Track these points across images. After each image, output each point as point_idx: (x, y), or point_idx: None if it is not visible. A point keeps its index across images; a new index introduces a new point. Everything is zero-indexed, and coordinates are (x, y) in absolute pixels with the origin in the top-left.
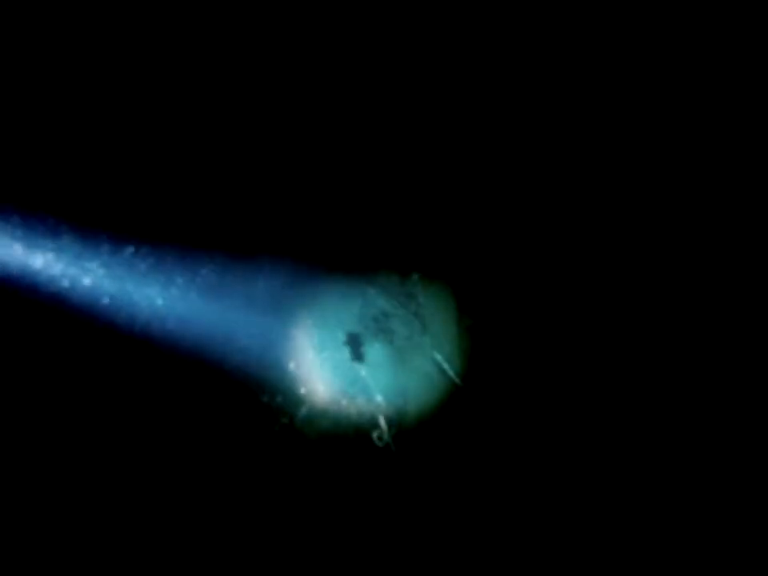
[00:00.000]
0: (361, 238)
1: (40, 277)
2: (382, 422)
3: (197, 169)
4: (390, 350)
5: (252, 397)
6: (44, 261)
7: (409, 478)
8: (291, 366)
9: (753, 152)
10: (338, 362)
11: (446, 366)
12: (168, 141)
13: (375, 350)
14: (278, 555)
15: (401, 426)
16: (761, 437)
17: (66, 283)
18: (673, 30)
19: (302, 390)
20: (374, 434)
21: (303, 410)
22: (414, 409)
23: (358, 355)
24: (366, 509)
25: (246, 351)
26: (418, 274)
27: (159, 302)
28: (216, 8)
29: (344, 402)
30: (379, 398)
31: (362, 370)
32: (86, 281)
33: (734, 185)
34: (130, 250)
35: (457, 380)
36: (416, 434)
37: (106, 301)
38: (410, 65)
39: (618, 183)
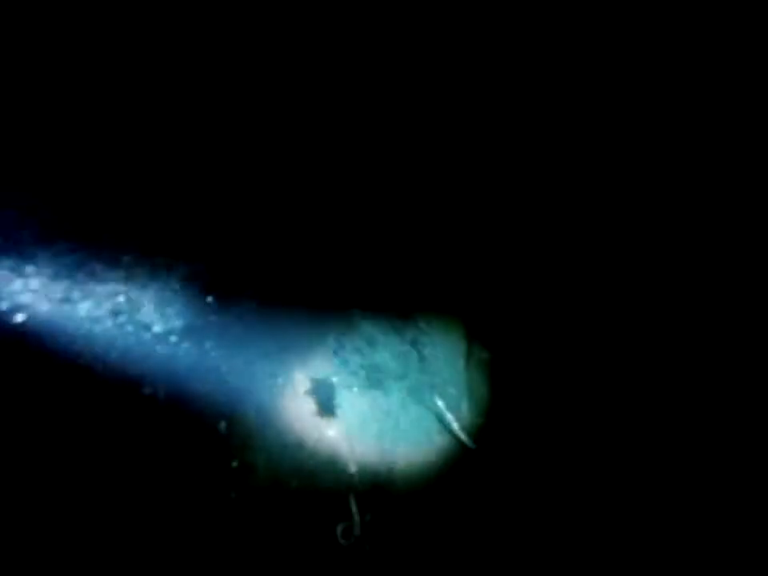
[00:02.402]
0: (347, 251)
1: None
2: (353, 506)
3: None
4: (375, 397)
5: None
6: None
7: None
8: (246, 416)
9: (753, 152)
10: (298, 415)
11: (451, 418)
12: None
13: (353, 397)
14: None
15: (381, 513)
16: (761, 436)
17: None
18: (673, 30)
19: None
20: (339, 528)
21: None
22: (403, 484)
23: (327, 407)
24: None
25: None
26: (417, 292)
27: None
28: (216, 8)
29: (303, 476)
30: (352, 469)
31: (331, 428)
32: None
33: (734, 185)
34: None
35: (467, 440)
36: (403, 523)
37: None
38: (409, 67)
39: (621, 194)
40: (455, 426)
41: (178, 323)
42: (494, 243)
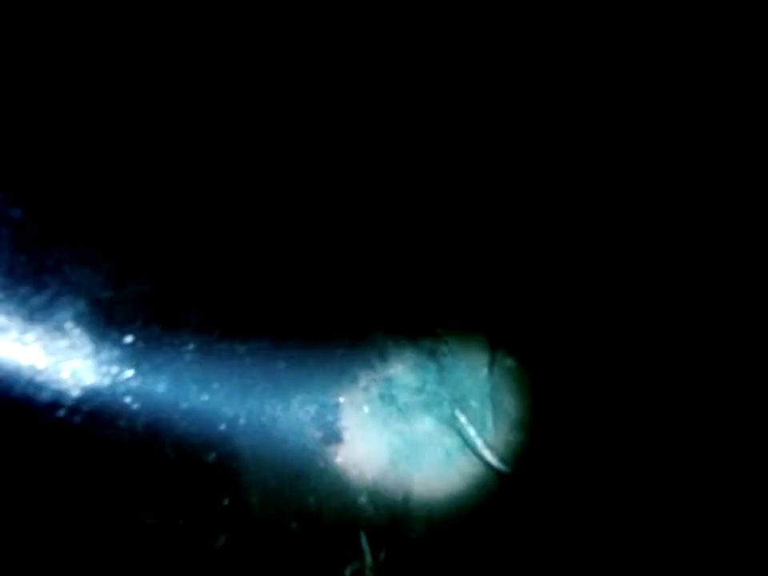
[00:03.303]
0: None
1: None
2: (364, 544)
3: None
4: (389, 416)
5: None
6: None
7: None
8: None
9: (753, 152)
10: (299, 443)
11: (475, 435)
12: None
13: (364, 418)
14: None
15: (396, 551)
16: (761, 436)
17: None
18: (672, 30)
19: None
20: (348, 571)
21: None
22: (422, 517)
23: (333, 431)
24: None
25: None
26: (434, 296)
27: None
28: (216, 8)
29: (305, 513)
30: (363, 500)
31: (338, 455)
32: None
33: (734, 185)
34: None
35: (494, 461)
36: (422, 564)
37: None
38: (410, 68)
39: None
40: (480, 444)
41: (154, 337)
42: (517, 246)
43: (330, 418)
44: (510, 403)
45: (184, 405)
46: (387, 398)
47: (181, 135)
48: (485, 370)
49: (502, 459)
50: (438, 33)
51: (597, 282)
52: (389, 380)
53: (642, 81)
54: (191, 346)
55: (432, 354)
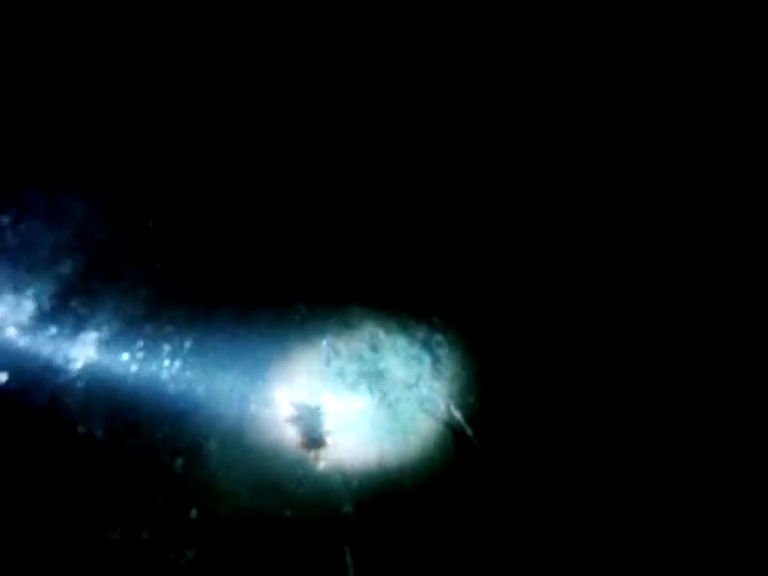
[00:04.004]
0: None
1: None
2: (348, 557)
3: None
4: (378, 414)
5: None
6: None
7: None
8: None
9: (753, 152)
10: (276, 448)
11: (472, 434)
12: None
13: (350, 417)
14: None
15: (383, 563)
16: (761, 436)
17: None
18: (672, 30)
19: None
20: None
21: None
22: (412, 526)
23: (315, 434)
24: None
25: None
26: (428, 282)
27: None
28: (216, 8)
29: (280, 526)
30: (347, 510)
31: (320, 461)
32: None
33: (734, 185)
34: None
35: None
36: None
37: None
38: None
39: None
40: (477, 444)
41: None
42: (502, 238)
43: (311, 418)
44: (496, 397)
45: (149, 407)
46: (377, 395)
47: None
48: (481, 364)
49: (500, 460)
50: (438, 33)
51: (592, 282)
52: (380, 374)
53: (642, 81)
54: (160, 345)
55: (426, 346)
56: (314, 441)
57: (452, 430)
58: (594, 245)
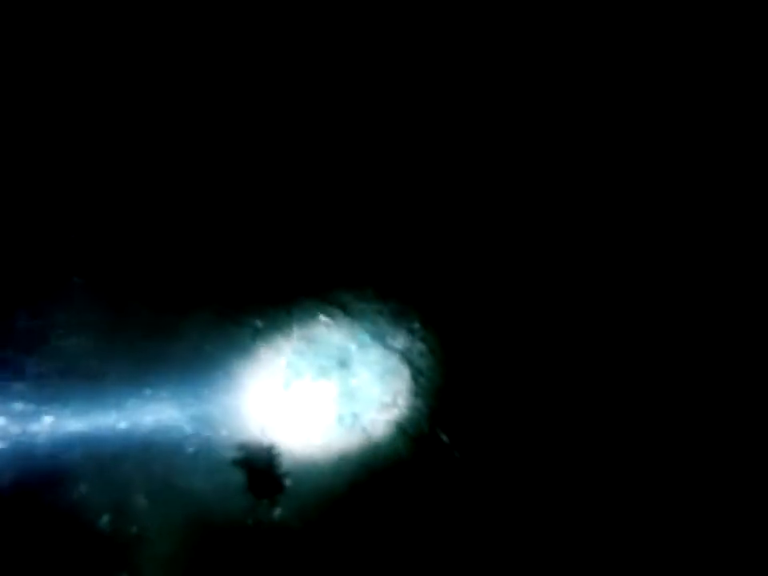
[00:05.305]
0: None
1: None
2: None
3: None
4: (350, 439)
5: None
6: None
7: None
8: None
9: (753, 152)
10: (220, 500)
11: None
12: None
13: (312, 453)
14: None
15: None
16: (761, 437)
17: None
18: (672, 30)
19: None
20: None
21: None
22: None
23: (269, 480)
24: None
25: None
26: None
27: None
28: (216, 8)
29: None
30: (309, 568)
31: (277, 508)
32: None
33: (734, 185)
34: None
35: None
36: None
37: None
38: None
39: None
40: (468, 468)
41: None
42: (487, 237)
43: (264, 458)
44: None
45: (66, 456)
46: (347, 419)
47: None
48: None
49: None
50: (438, 33)
51: (579, 280)
52: (350, 394)
53: (642, 81)
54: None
55: (406, 357)
56: (269, 485)
57: (438, 454)
58: (580, 245)
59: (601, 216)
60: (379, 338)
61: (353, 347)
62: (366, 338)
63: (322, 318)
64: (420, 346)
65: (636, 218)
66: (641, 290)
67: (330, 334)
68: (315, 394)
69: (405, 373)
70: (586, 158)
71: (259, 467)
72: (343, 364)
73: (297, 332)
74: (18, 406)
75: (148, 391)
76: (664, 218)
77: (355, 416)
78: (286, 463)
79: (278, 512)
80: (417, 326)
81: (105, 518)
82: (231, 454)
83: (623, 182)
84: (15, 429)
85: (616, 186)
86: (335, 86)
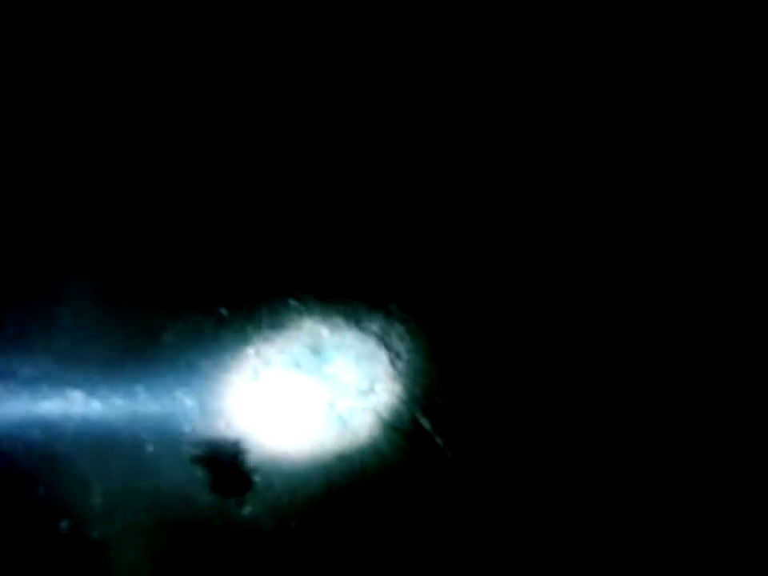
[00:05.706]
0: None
1: None
2: None
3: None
4: (324, 429)
5: None
6: None
7: None
8: None
9: (753, 152)
10: (181, 498)
11: (447, 452)
12: None
13: (282, 448)
14: None
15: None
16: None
17: None
18: (672, 30)
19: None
20: None
21: None
22: None
23: (234, 475)
24: None
25: None
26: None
27: None
28: (216, 8)
29: None
30: (282, 568)
31: (243, 510)
32: None
33: (734, 185)
34: None
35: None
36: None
37: None
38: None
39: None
40: (450, 455)
41: None
42: (469, 217)
43: (231, 453)
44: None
45: (17, 455)
46: (322, 408)
47: None
48: (446, 356)
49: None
50: (437, 33)
51: (570, 266)
52: (324, 381)
53: (642, 81)
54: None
55: (383, 340)
56: (237, 481)
57: (420, 441)
58: (568, 232)
59: (592, 209)
60: (354, 321)
61: (325, 332)
62: (340, 322)
63: (292, 302)
64: (398, 328)
65: (634, 217)
66: (627, 281)
67: (301, 319)
68: (286, 384)
69: (382, 357)
70: (581, 157)
71: (226, 463)
72: (316, 350)
73: (265, 319)
74: None
75: (103, 387)
76: (664, 218)
77: (330, 404)
78: (255, 458)
79: (247, 511)
80: (394, 307)
81: (63, 523)
82: (195, 451)
83: (621, 181)
84: None
85: (612, 185)
86: (325, 89)
